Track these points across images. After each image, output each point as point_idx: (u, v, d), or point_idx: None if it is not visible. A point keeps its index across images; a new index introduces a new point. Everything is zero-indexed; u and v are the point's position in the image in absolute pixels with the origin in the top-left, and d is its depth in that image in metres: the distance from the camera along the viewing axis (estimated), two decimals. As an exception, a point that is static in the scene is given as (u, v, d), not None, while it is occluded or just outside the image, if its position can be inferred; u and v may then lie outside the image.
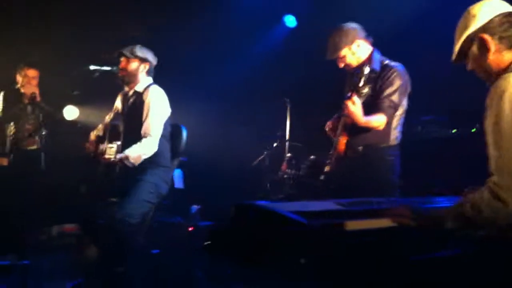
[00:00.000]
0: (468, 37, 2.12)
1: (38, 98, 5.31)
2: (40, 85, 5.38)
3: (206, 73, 6.01)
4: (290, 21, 6.30)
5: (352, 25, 3.64)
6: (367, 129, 3.50)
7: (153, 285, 4.14)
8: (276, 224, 1.96)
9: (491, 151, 1.92)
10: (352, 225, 1.99)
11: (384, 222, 2.06)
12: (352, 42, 3.58)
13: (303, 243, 1.88)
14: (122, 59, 4.10)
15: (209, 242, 2.13)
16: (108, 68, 4.05)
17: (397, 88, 3.49)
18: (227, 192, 5.46)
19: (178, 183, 5.14)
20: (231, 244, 2.07)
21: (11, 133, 5.35)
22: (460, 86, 4.60)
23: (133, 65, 4.08)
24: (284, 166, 5.39)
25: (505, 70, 2.05)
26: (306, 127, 5.61)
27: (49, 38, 5.72)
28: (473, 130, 4.61)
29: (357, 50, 3.60)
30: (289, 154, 5.45)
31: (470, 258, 2.07)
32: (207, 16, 5.97)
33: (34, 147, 5.42)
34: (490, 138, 1.93)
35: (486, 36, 2.07)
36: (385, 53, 3.71)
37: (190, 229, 4.80)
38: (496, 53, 2.07)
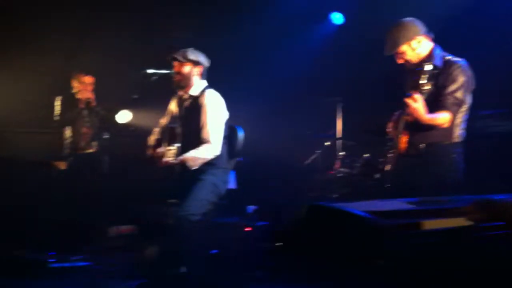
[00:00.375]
0: None
1: (94, 103, 5.43)
2: (96, 89, 5.49)
3: (256, 73, 6.01)
4: (337, 18, 6.25)
5: (413, 21, 3.57)
6: (429, 127, 3.43)
7: (212, 285, 4.16)
8: (350, 224, 1.95)
9: None
10: (429, 224, 1.96)
11: (461, 221, 2.02)
12: (412, 38, 3.51)
13: (379, 243, 1.86)
14: (175, 63, 4.12)
15: (280, 243, 2.13)
16: (165, 72, 4.09)
17: (461, 84, 3.41)
18: (281, 191, 5.46)
19: (231, 183, 5.16)
20: (303, 244, 2.06)
21: (68, 137, 5.50)
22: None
23: (186, 68, 4.10)
24: (337, 165, 5.35)
25: None
26: (358, 125, 5.56)
27: (103, 43, 5.86)
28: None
29: (417, 46, 3.53)
30: (342, 153, 5.42)
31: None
32: (254, 16, 5.98)
33: (92, 150, 5.55)
34: None
35: None
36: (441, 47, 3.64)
37: (247, 229, 4.81)
38: None
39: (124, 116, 5.76)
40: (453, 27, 5.03)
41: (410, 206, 2.23)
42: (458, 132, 3.51)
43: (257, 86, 5.89)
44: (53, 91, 5.66)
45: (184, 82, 4.11)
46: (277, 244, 2.15)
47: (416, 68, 3.47)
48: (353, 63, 5.73)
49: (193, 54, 4.13)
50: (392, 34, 3.55)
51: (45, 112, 5.75)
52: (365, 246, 1.88)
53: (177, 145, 3.70)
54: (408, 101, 3.30)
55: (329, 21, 6.23)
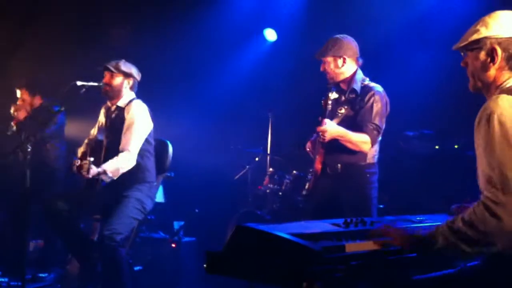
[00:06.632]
0: (483, 39, 2.08)
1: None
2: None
3: (189, 87, 5.97)
4: (271, 34, 6.30)
5: (350, 41, 3.64)
6: (345, 148, 3.50)
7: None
8: (278, 247, 1.95)
9: (484, 169, 1.93)
10: (352, 247, 1.99)
11: (380, 244, 2.07)
12: (339, 54, 3.59)
13: (305, 266, 1.87)
14: (106, 73, 4.04)
15: (208, 264, 2.09)
16: (94, 84, 3.98)
17: (378, 111, 3.51)
18: (209, 207, 5.41)
19: (159, 197, 5.07)
20: (232, 266, 2.04)
21: None
22: (445, 102, 4.68)
23: (117, 80, 4.03)
24: (266, 180, 5.35)
25: (496, 88, 2.08)
26: (288, 141, 5.62)
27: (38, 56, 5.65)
28: (456, 146, 4.67)
29: (341, 65, 3.60)
30: (271, 169, 5.42)
31: (471, 276, 2.08)
32: (190, 31, 5.95)
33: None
34: (482, 158, 1.95)
35: (498, 49, 2.08)
36: (370, 67, 3.73)
37: (173, 245, 4.74)
38: (499, 69, 2.09)
39: None
40: (389, 45, 5.16)
41: (335, 228, 2.25)
42: (373, 153, 3.60)
43: (188, 100, 5.84)
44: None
45: (114, 93, 4.04)
46: (205, 265, 2.11)
47: (335, 88, 3.58)
48: (285, 78, 5.80)
49: (125, 66, 4.07)
50: (328, 43, 3.62)
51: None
52: (293, 270, 1.88)
53: (91, 158, 3.57)
54: (320, 129, 3.39)
55: (263, 37, 6.27)
